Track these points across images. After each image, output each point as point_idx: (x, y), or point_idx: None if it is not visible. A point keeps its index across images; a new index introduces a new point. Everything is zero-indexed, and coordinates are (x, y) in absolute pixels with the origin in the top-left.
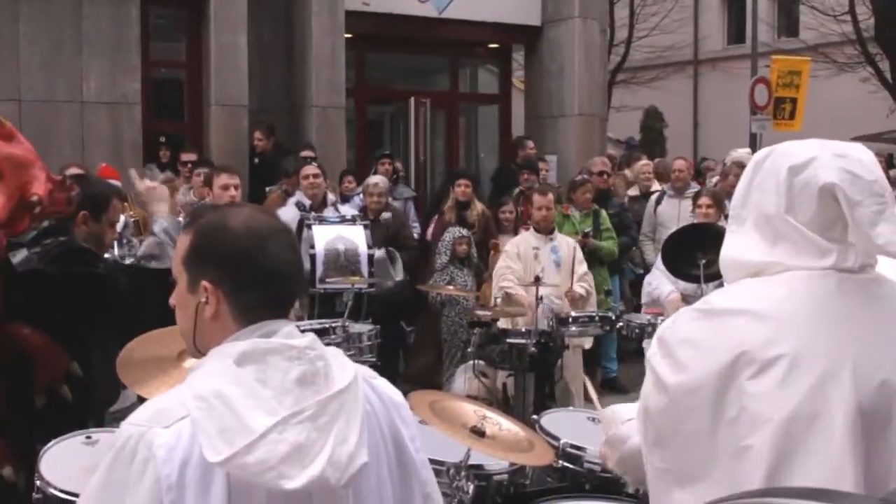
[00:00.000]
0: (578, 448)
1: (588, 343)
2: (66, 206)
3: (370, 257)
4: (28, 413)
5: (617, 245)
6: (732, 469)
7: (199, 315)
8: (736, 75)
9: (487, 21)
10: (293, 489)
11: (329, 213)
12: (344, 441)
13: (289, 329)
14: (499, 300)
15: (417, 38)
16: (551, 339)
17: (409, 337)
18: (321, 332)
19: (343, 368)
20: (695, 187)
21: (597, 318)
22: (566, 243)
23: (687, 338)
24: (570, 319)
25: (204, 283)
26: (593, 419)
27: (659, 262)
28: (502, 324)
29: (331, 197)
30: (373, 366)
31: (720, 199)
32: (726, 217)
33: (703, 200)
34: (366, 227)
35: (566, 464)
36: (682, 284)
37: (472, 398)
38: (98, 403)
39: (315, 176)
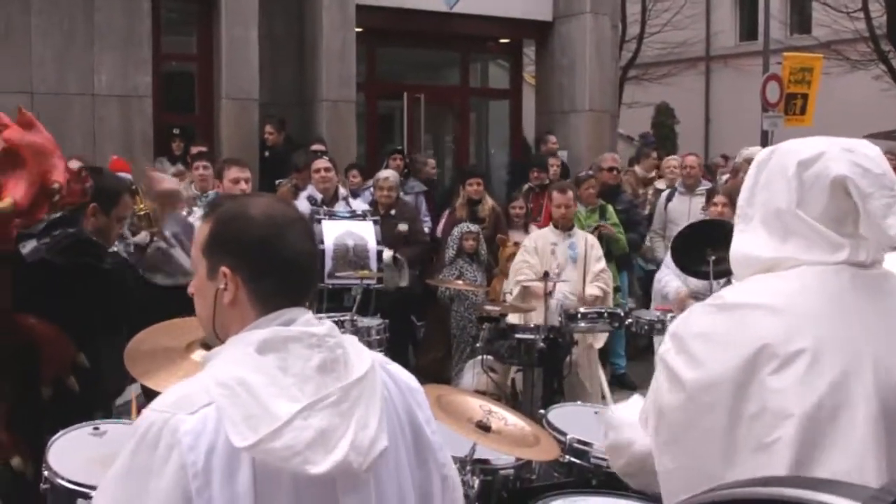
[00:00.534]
0: (585, 443)
1: (600, 342)
2: (80, 197)
3: (379, 253)
4: (35, 404)
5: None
6: (755, 464)
7: (217, 301)
8: (748, 72)
9: (498, 16)
10: (318, 474)
11: (340, 207)
12: (365, 426)
13: (308, 317)
14: (513, 294)
15: (428, 33)
16: (560, 335)
17: (419, 331)
18: None
19: (360, 355)
20: (705, 184)
21: (605, 315)
22: (584, 240)
23: (702, 332)
24: (579, 315)
25: (223, 269)
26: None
27: (668, 259)
28: (511, 319)
29: (342, 191)
30: None
31: (734, 198)
32: None
33: (719, 199)
34: (376, 222)
35: (573, 459)
36: (693, 281)
37: (480, 393)
38: (105, 395)
39: (326, 170)
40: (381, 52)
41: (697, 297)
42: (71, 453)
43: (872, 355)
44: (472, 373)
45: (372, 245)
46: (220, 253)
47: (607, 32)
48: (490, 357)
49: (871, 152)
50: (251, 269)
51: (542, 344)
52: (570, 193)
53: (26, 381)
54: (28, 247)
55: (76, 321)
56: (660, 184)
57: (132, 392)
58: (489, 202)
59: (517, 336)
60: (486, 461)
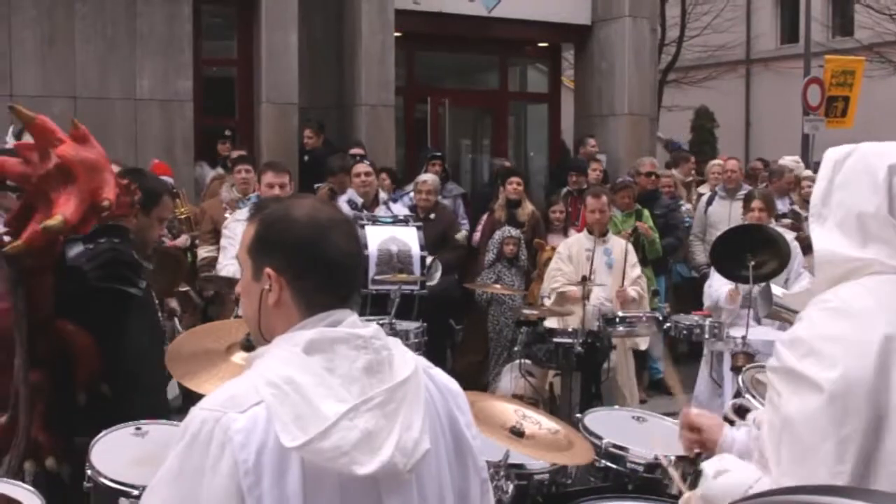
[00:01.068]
0: (621, 448)
1: (644, 344)
2: (128, 210)
3: (422, 259)
4: (69, 407)
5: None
6: None
7: (262, 302)
8: (789, 75)
9: (537, 20)
10: (364, 474)
11: (381, 212)
12: (409, 427)
13: (354, 318)
14: (549, 300)
15: (467, 37)
16: (598, 339)
17: (457, 335)
18: None
19: (405, 358)
20: (746, 188)
21: (644, 319)
22: (619, 245)
23: (829, 334)
24: (618, 320)
25: (267, 270)
26: (637, 418)
27: None
28: (549, 323)
29: (382, 195)
30: None
31: (771, 202)
32: (776, 219)
33: (756, 204)
34: (419, 228)
35: (609, 463)
36: (732, 286)
37: (517, 397)
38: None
39: (367, 174)
40: (420, 56)
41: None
42: (113, 453)
43: None
44: (510, 377)
45: (415, 250)
46: (265, 254)
47: (646, 36)
48: (528, 361)
49: None
50: (295, 270)
51: (579, 348)
52: (605, 198)
53: (60, 385)
54: (74, 250)
55: (100, 334)
56: (703, 188)
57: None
58: (529, 206)
59: (555, 340)
60: (520, 466)
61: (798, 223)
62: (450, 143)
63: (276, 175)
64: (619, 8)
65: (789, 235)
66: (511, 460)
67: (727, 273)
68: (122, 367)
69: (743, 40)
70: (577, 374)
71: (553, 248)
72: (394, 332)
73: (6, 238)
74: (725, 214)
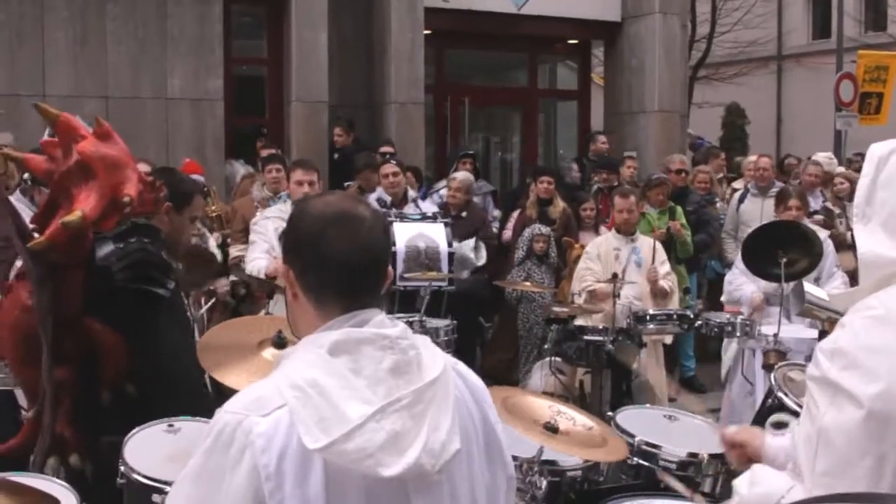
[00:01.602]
0: (654, 445)
1: (669, 337)
2: (153, 207)
3: (450, 255)
4: (93, 405)
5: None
6: None
7: (288, 296)
8: (821, 71)
9: (566, 17)
10: (390, 476)
11: (410, 209)
12: (437, 428)
13: (380, 318)
14: (580, 299)
15: (496, 34)
16: (629, 337)
17: (486, 332)
18: None
19: (434, 357)
20: (779, 185)
21: (675, 317)
22: (647, 244)
23: (872, 345)
24: (648, 317)
25: (284, 265)
26: (669, 417)
27: (739, 261)
28: (579, 321)
29: (411, 193)
30: None
31: (806, 199)
32: (810, 216)
33: (793, 202)
34: (447, 224)
35: (641, 461)
36: (762, 283)
37: (548, 395)
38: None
39: (395, 174)
40: (450, 53)
41: (769, 300)
42: (146, 449)
43: None
44: (541, 374)
45: (443, 247)
46: (284, 248)
47: (677, 32)
48: (558, 358)
49: None
50: (300, 265)
51: (610, 346)
52: (633, 198)
53: (85, 382)
54: (104, 249)
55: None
56: (737, 184)
57: None
58: (560, 204)
59: (585, 338)
60: (553, 462)
61: (830, 220)
62: (480, 141)
63: (304, 172)
64: (650, 4)
65: (822, 233)
66: (543, 456)
67: (758, 270)
68: (150, 367)
69: (774, 36)
70: (607, 372)
71: (582, 246)
72: (424, 330)
73: (35, 235)
74: (757, 212)
